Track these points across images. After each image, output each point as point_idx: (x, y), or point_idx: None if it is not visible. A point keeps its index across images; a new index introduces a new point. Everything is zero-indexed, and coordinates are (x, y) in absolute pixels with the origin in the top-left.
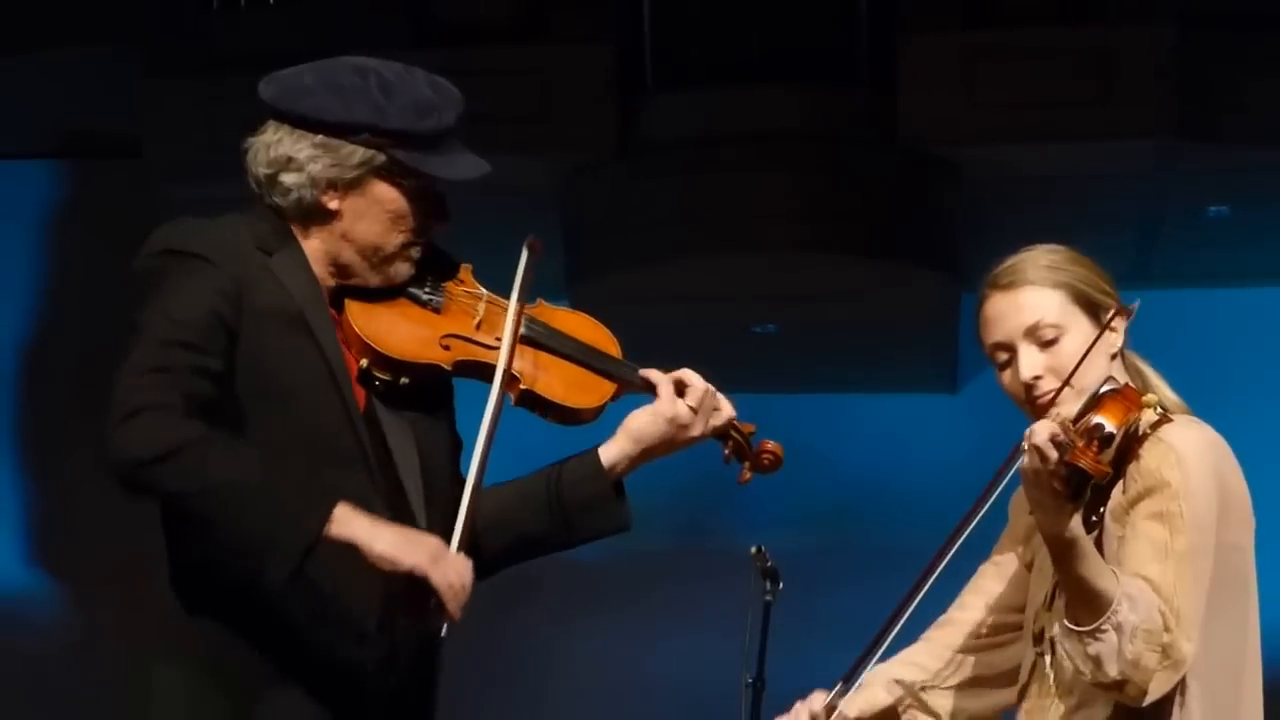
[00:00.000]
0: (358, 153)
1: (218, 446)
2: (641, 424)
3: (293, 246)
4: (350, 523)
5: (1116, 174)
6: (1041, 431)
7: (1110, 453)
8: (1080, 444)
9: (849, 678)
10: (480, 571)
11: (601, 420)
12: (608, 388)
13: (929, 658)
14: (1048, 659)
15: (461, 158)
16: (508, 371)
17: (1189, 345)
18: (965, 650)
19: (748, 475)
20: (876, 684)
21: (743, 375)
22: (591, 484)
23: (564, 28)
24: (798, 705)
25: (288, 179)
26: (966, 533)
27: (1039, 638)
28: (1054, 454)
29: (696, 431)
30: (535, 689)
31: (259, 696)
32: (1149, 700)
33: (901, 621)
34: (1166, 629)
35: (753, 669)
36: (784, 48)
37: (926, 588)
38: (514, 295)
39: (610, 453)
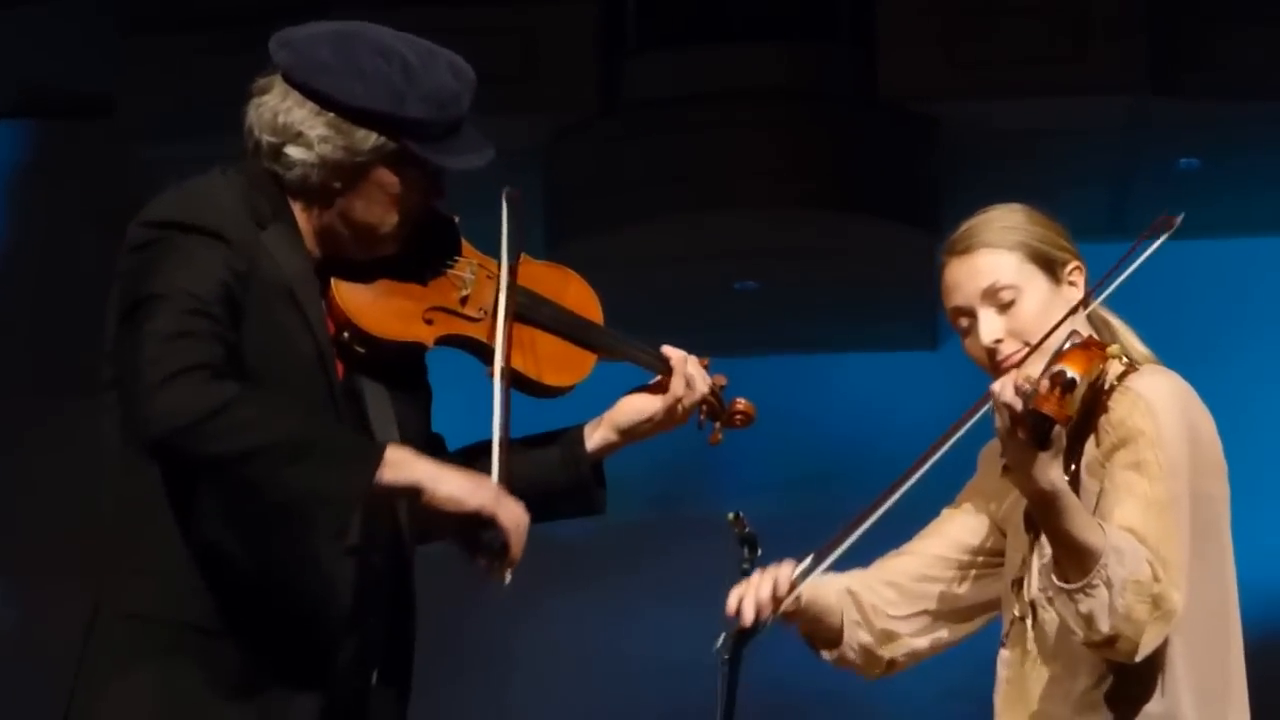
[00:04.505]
0: (370, 138)
1: (259, 404)
2: (632, 421)
3: (286, 219)
4: (409, 466)
5: (1090, 129)
6: (1005, 386)
7: (1074, 399)
8: (1043, 391)
9: (819, 557)
10: (436, 539)
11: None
12: (589, 361)
13: (880, 582)
14: (1029, 623)
15: (469, 144)
16: (507, 366)
17: (1161, 297)
18: (917, 580)
19: (719, 436)
20: (828, 587)
21: (724, 334)
22: (573, 471)
23: None
24: (764, 572)
25: (294, 153)
26: (925, 468)
27: (1019, 603)
28: (1019, 405)
29: (683, 420)
30: (505, 668)
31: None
32: (1141, 655)
33: (867, 523)
34: (1156, 579)
35: (728, 645)
36: (765, 4)
37: (887, 505)
38: (502, 274)
39: (594, 442)
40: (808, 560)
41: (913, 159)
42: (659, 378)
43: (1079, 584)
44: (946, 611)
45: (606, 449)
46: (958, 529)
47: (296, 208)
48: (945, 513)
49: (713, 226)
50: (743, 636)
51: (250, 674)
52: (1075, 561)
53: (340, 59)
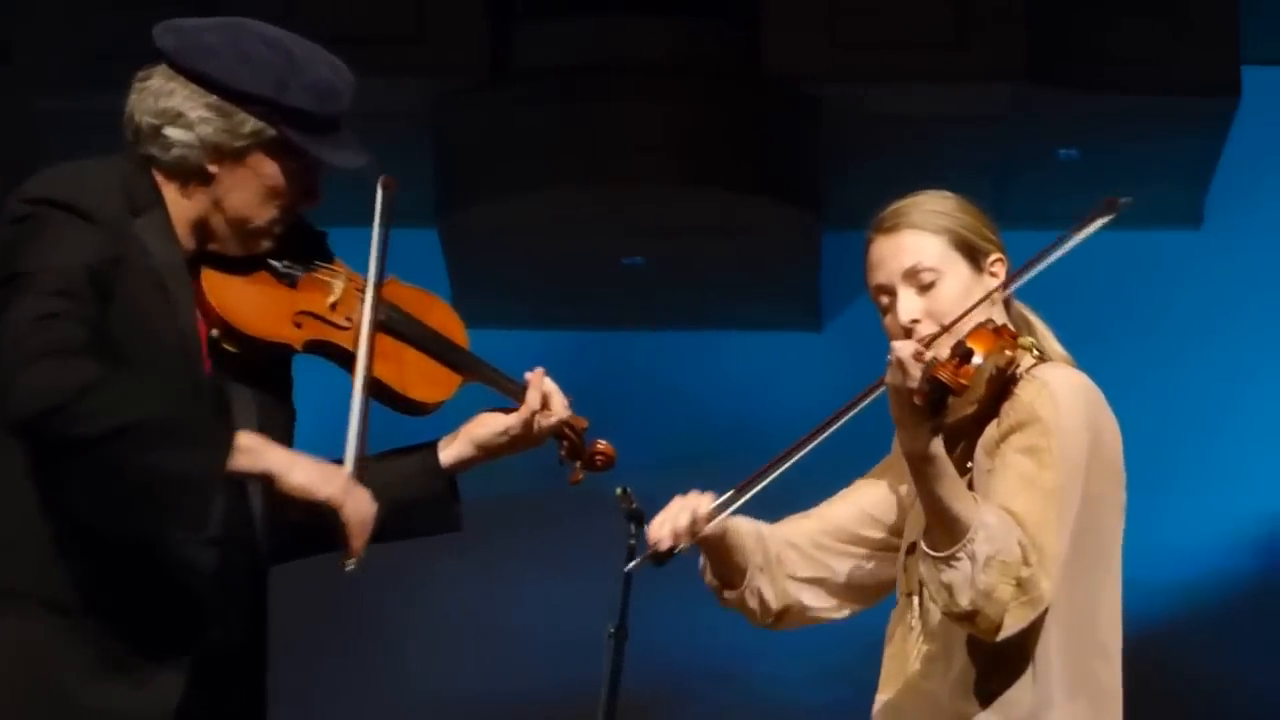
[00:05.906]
0: (250, 123)
1: (121, 385)
2: (488, 435)
3: (159, 208)
4: (261, 454)
5: (970, 116)
6: (904, 347)
7: (972, 372)
8: (942, 359)
9: (740, 492)
10: (296, 554)
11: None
12: (455, 381)
13: (784, 541)
14: (915, 599)
15: (346, 143)
16: (369, 369)
17: (1038, 291)
18: (817, 547)
19: (580, 476)
20: (744, 527)
21: (610, 309)
22: (428, 483)
23: None
24: (683, 501)
25: (173, 134)
26: (825, 435)
27: (908, 579)
28: (915, 368)
29: (541, 442)
30: (389, 639)
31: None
32: (1003, 635)
33: (788, 464)
34: (1026, 562)
35: (615, 618)
36: None
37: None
38: (371, 266)
39: (449, 454)
40: (729, 494)
41: (797, 139)
42: (517, 404)
43: (945, 553)
44: (841, 586)
45: (462, 464)
46: (868, 501)
47: (172, 196)
48: (858, 483)
49: (598, 200)
50: (658, 559)
51: (110, 654)
52: (945, 531)
53: (226, 44)
